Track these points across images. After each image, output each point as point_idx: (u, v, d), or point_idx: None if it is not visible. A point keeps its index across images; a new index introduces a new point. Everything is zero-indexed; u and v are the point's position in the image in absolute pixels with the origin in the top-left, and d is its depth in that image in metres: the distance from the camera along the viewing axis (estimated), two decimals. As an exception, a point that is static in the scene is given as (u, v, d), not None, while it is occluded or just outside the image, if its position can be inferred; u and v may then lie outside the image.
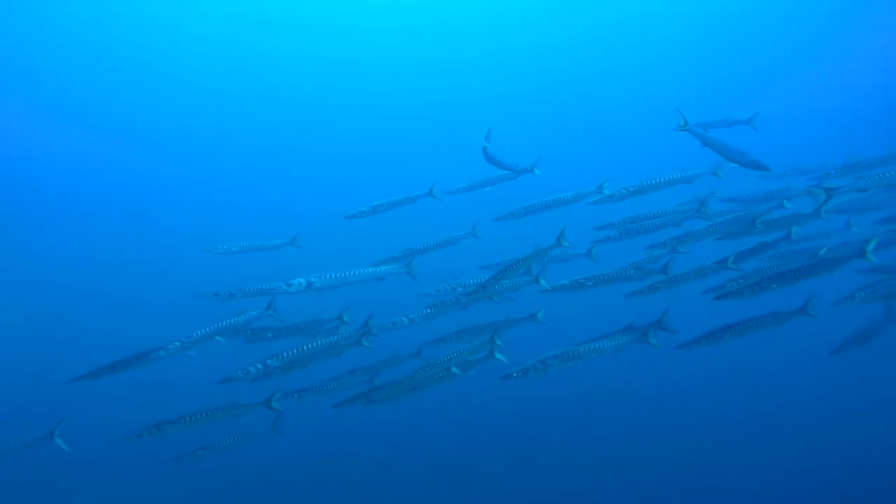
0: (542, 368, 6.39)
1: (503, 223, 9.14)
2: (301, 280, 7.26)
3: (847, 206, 8.14)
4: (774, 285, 6.65)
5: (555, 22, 34.97)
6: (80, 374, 7.00)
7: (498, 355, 7.32)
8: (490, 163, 8.97)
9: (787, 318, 6.79)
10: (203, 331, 7.38)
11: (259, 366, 7.11)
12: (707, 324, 7.20)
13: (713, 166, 7.85)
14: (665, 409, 14.39)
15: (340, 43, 35.08)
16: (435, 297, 7.92)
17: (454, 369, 7.11)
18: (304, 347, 7.14)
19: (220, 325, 7.33)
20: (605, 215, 8.06)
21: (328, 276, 7.38)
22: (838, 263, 6.79)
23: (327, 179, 33.99)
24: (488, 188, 9.47)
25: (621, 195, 7.62)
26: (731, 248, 7.92)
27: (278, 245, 9.70)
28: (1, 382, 15.98)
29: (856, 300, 6.43)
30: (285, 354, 7.19)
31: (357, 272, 7.58)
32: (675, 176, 7.86)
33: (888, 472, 10.93)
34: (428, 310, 7.73)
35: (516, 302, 8.48)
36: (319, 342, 7.15)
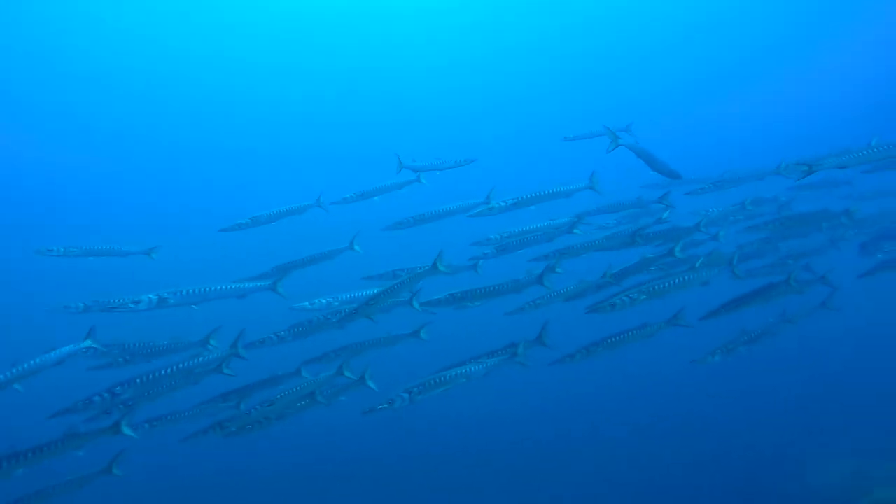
0: (409, 399, 6.12)
1: (392, 232, 8.85)
2: (151, 296, 6.53)
3: (721, 218, 8.42)
4: (644, 297, 6.69)
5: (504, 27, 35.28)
6: None
7: (369, 382, 6.99)
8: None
9: (659, 330, 6.85)
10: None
11: (106, 395, 6.39)
12: (589, 337, 7.21)
13: (590, 180, 7.85)
14: (549, 422, 14.57)
15: (246, 44, 34.01)
16: (309, 311, 7.49)
17: (319, 398, 6.71)
18: (158, 373, 6.48)
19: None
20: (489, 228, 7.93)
21: (184, 292, 6.71)
22: (709, 276, 6.93)
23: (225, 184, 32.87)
24: (377, 198, 9.14)
25: (500, 208, 7.46)
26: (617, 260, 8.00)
27: (129, 253, 8.80)
28: None
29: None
30: (138, 381, 6.51)
31: (218, 288, 6.94)
32: (554, 190, 7.79)
33: (758, 480, 11.56)
34: (299, 327, 7.24)
35: (406, 316, 8.20)
36: (173, 368, 6.49)
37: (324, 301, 7.55)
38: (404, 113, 36.68)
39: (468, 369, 6.44)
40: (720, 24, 34.13)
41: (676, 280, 6.62)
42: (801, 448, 14.61)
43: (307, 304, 7.54)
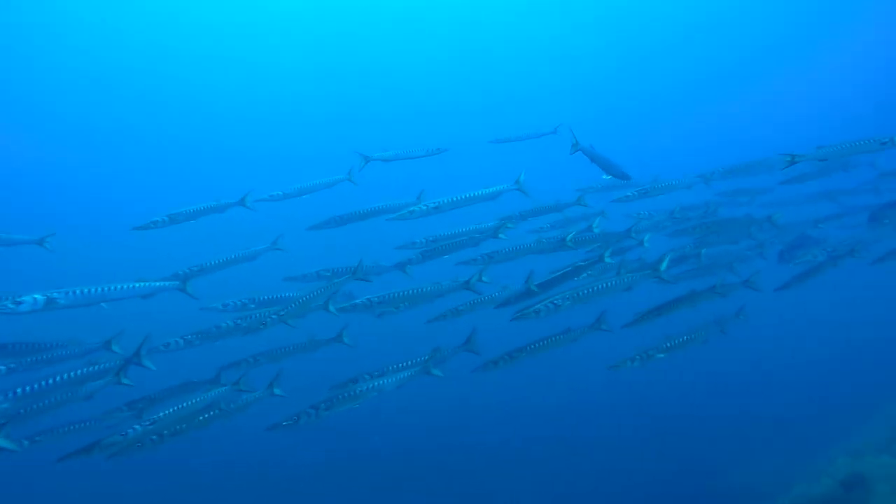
0: (315, 415, 5.80)
1: (323, 232, 8.47)
2: (38, 297, 5.83)
3: (653, 226, 8.47)
4: (569, 303, 6.58)
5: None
6: None
7: (276, 391, 6.61)
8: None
9: (582, 335, 6.77)
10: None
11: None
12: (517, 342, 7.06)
13: (516, 183, 7.71)
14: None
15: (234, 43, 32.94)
16: (221, 313, 7.02)
17: (223, 407, 6.28)
18: (42, 384, 5.84)
19: None
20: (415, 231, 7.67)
21: (78, 292, 6.06)
22: (634, 282, 6.89)
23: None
24: (306, 196, 8.72)
25: (422, 212, 7.18)
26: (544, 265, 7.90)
27: (19, 241, 8.01)
28: None
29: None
30: (19, 391, 5.86)
31: (117, 287, 6.33)
32: (477, 193, 7.56)
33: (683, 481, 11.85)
34: (209, 331, 6.75)
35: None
36: (61, 378, 5.87)
37: (238, 302, 7.10)
38: (370, 111, 36.12)
39: (380, 382, 6.18)
40: (718, 25, 34.69)
41: (601, 285, 6.55)
42: (726, 448, 15.13)
43: (219, 305, 7.07)
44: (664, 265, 6.97)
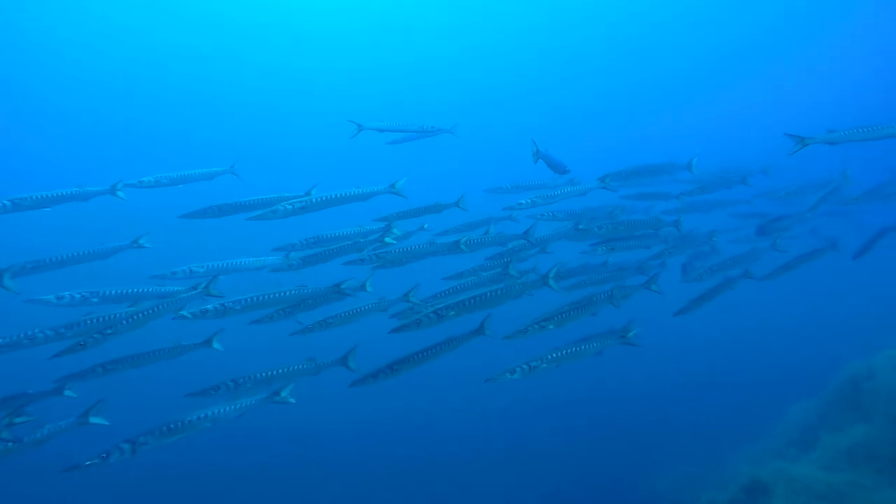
0: (130, 451, 5.09)
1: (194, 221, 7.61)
2: None
3: (556, 230, 8.19)
4: (453, 313, 6.14)
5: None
6: None
7: (94, 419, 5.84)
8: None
9: (465, 341, 6.36)
10: None
11: None
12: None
13: (391, 186, 7.22)
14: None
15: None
16: (54, 306, 6.13)
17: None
18: None
19: None
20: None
21: None
22: (523, 290, 6.54)
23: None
24: (181, 186, 7.87)
25: (286, 212, 6.54)
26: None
27: None
28: None
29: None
30: None
31: None
32: (349, 193, 6.99)
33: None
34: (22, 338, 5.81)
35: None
36: None
37: (77, 295, 6.19)
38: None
39: (215, 412, 5.49)
40: (709, 22, 34.96)
41: (488, 295, 6.17)
42: (642, 457, 15.26)
43: (53, 297, 6.13)
44: (553, 273, 6.67)
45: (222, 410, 5.59)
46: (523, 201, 7.68)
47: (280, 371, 6.21)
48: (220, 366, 6.59)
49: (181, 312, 5.90)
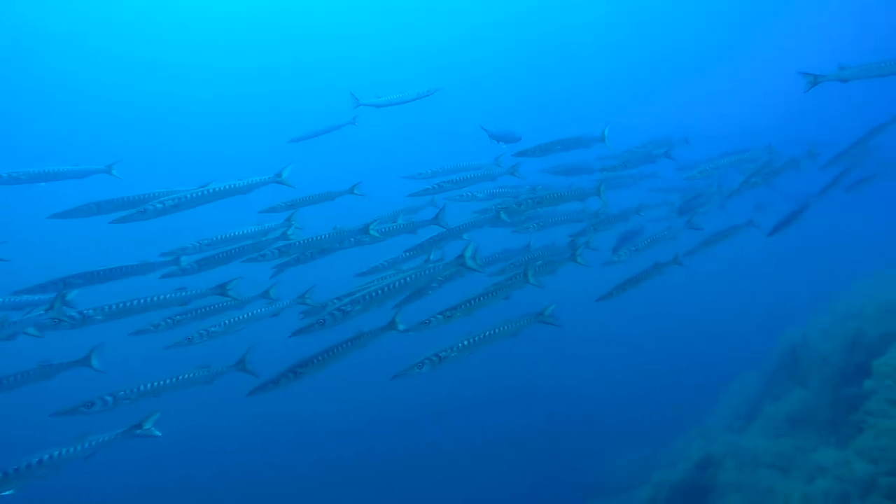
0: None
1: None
2: None
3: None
4: (360, 308, 5.64)
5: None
6: None
7: None
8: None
9: (375, 337, 5.87)
10: None
11: None
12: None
13: (277, 175, 6.61)
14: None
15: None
16: None
17: None
18: None
19: None
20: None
21: None
22: (434, 276, 6.10)
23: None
24: (44, 184, 6.96)
25: (157, 211, 5.82)
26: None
27: None
28: None
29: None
30: None
31: None
32: (230, 186, 6.30)
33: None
34: None
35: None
36: None
37: None
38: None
39: (54, 455, 4.76)
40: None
41: (395, 285, 5.70)
42: (597, 442, 15.17)
43: None
44: (469, 253, 6.18)
45: (64, 452, 4.78)
46: (429, 186, 7.27)
47: (169, 381, 5.53)
48: (97, 377, 5.84)
49: (28, 329, 5.16)
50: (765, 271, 20.92)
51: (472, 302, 5.68)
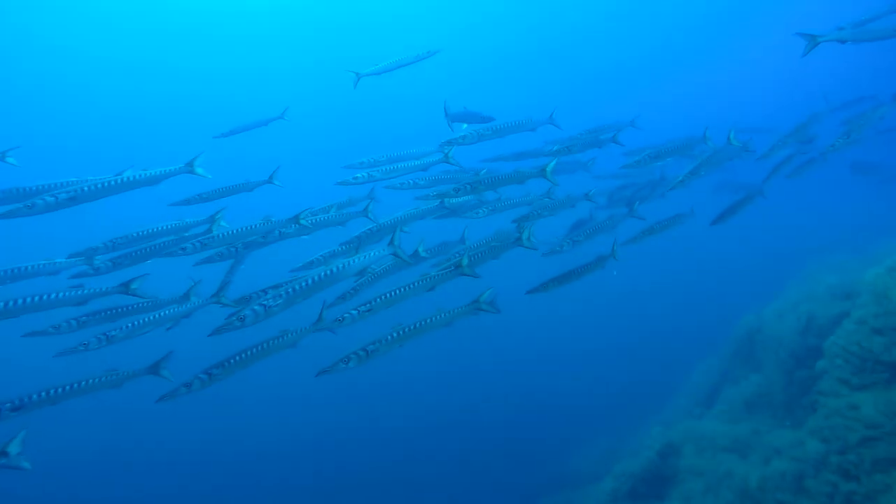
0: None
1: None
2: None
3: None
4: (280, 302, 5.26)
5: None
6: None
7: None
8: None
9: (304, 336, 5.50)
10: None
11: None
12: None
13: (188, 164, 6.11)
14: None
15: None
16: None
17: None
18: None
19: None
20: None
21: None
22: (349, 273, 5.74)
23: None
24: None
25: (47, 205, 5.23)
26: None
27: None
28: None
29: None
30: None
31: None
32: (134, 176, 5.58)
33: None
34: None
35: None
36: None
37: None
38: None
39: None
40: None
41: (312, 281, 5.33)
42: (560, 434, 15.06)
43: None
44: (396, 241, 5.84)
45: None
46: (359, 175, 6.91)
47: (72, 386, 5.02)
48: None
49: None
50: (720, 258, 21.20)
51: (393, 294, 5.34)
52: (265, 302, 5.20)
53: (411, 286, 5.46)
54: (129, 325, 5.48)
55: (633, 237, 7.50)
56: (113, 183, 5.37)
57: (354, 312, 5.11)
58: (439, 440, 14.61)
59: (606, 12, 35.75)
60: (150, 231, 6.02)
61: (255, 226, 6.08)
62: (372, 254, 5.70)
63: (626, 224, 8.26)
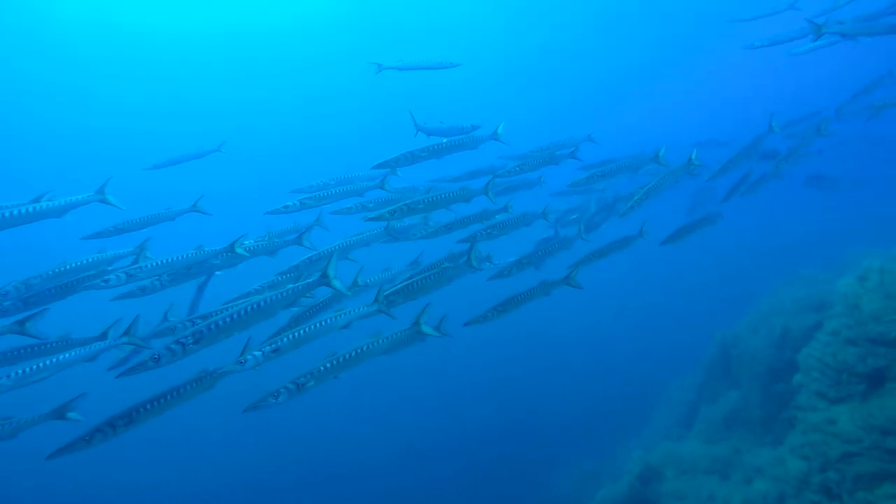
0: None
1: None
2: None
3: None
4: (196, 338, 4.81)
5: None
6: None
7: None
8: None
9: (225, 375, 5.02)
10: None
11: None
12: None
13: (98, 192, 5.67)
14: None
15: None
16: None
17: None
18: None
19: None
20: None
21: None
22: (295, 297, 5.35)
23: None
24: None
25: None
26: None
27: None
28: None
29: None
30: None
31: None
32: (36, 208, 5.07)
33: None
34: None
35: None
36: None
37: None
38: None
39: None
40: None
41: (255, 307, 4.92)
42: (543, 457, 14.59)
43: None
44: (331, 271, 5.41)
45: None
46: (289, 203, 6.55)
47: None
48: None
49: None
50: (688, 275, 21.11)
51: (303, 333, 4.87)
52: (184, 340, 4.75)
53: (325, 322, 5.02)
54: (18, 372, 4.87)
55: (582, 259, 7.15)
56: (13, 213, 4.89)
57: (258, 354, 4.64)
58: (418, 465, 14.05)
59: (572, 31, 36.25)
60: (68, 268, 5.51)
61: (187, 255, 5.66)
62: (298, 285, 5.30)
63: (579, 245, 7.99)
